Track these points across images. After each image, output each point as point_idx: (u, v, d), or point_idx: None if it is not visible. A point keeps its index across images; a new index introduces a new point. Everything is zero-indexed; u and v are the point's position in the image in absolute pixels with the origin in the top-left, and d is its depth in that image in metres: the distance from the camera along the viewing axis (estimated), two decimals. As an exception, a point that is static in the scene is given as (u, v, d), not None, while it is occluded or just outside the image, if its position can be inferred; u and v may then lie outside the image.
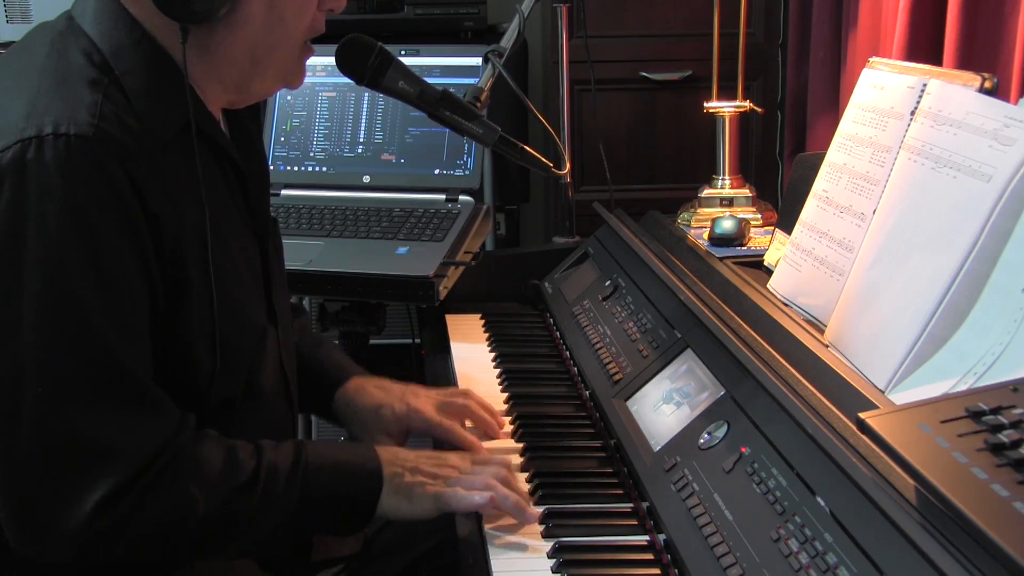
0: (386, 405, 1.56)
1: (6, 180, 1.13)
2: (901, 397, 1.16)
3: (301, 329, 1.66)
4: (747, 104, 2.16)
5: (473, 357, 1.88)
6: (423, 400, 1.58)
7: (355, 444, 1.46)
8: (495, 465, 1.39)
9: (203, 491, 1.21)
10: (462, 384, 1.76)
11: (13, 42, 2.64)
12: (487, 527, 1.31)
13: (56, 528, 1.15)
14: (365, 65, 1.62)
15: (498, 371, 1.81)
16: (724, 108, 2.16)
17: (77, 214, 1.13)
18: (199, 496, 1.20)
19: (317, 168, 2.32)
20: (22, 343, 1.13)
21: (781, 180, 2.55)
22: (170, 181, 1.22)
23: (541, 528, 1.30)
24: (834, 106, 2.20)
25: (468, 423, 1.59)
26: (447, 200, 2.20)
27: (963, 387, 1.10)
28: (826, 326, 1.39)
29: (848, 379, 1.22)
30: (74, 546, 1.16)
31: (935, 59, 1.77)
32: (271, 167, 2.20)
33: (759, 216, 2.07)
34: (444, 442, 1.53)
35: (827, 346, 1.35)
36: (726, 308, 1.52)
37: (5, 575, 1.24)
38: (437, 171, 2.25)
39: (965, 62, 1.69)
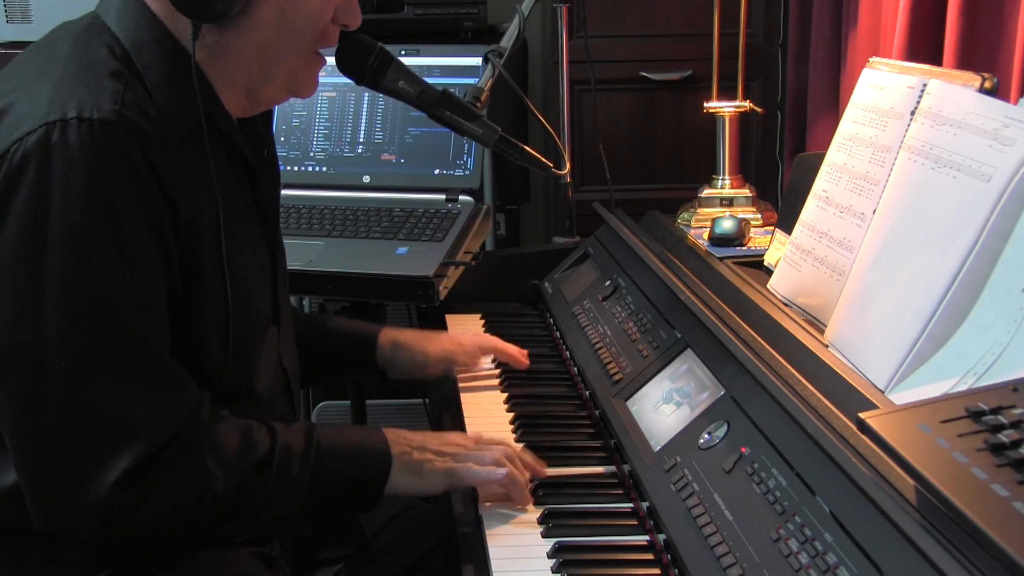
0: (431, 335, 1.79)
1: (31, 161, 1.15)
2: (901, 397, 1.16)
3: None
4: (747, 104, 2.16)
5: (473, 357, 1.88)
6: (462, 335, 1.84)
7: (361, 426, 1.48)
8: (501, 445, 1.42)
9: (222, 468, 1.23)
10: (462, 384, 1.77)
11: (14, 42, 2.66)
12: (487, 524, 1.32)
13: (78, 502, 1.17)
14: (365, 65, 1.62)
15: (498, 371, 1.81)
16: (724, 108, 2.16)
17: (100, 195, 1.16)
18: (218, 473, 1.22)
19: (317, 168, 2.32)
20: (46, 320, 1.15)
21: (781, 180, 2.55)
22: (187, 172, 1.24)
23: (541, 528, 1.30)
24: (834, 106, 2.20)
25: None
26: (447, 200, 2.19)
27: (963, 387, 1.10)
28: (826, 326, 1.39)
29: (848, 379, 1.22)
30: (95, 520, 1.17)
31: (935, 59, 1.77)
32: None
33: (759, 216, 2.07)
34: (493, 354, 1.81)
35: (827, 346, 1.35)
36: (726, 308, 1.52)
37: (26, 555, 1.26)
38: (437, 171, 2.25)
39: (965, 62, 1.69)
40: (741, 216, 1.94)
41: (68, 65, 1.23)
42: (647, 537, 1.28)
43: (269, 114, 1.52)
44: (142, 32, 1.27)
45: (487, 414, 1.66)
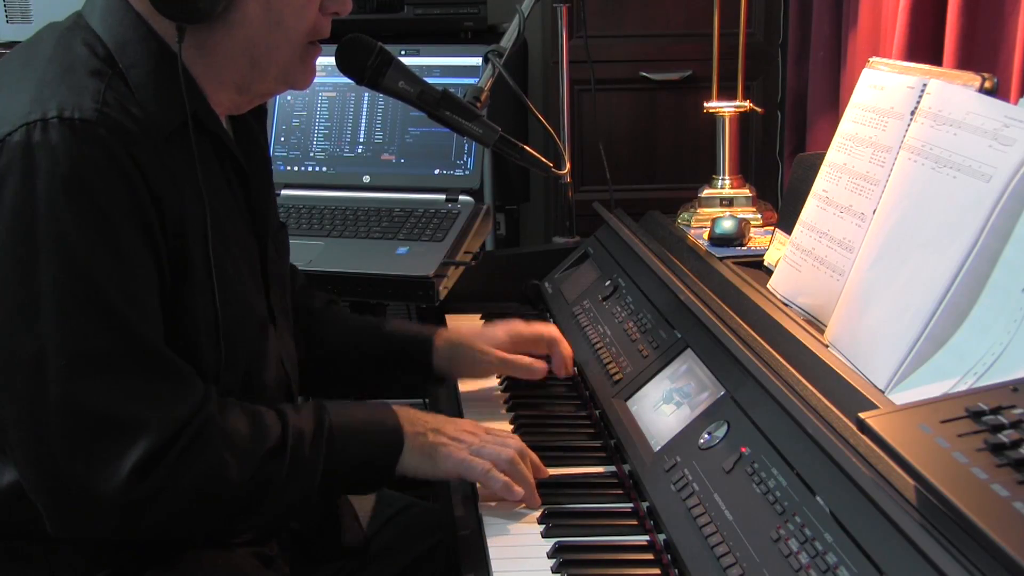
0: (487, 330, 1.73)
1: (15, 162, 1.15)
2: (901, 397, 1.16)
3: (337, 314, 1.71)
4: (747, 104, 2.16)
5: (473, 357, 1.88)
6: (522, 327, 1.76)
7: (373, 405, 1.45)
8: (514, 440, 1.41)
9: (236, 457, 1.22)
10: (462, 385, 1.76)
11: (14, 42, 2.66)
12: (487, 524, 1.32)
13: (93, 500, 1.16)
14: (365, 65, 1.62)
15: (498, 371, 1.81)
16: (724, 108, 2.16)
17: (86, 193, 1.15)
18: (232, 462, 1.22)
19: (317, 168, 2.32)
20: (41, 321, 1.15)
21: (781, 180, 2.55)
22: (173, 171, 1.24)
23: (541, 528, 1.30)
24: (834, 106, 2.20)
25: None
26: (447, 200, 2.20)
27: (963, 387, 1.10)
28: (826, 326, 1.39)
29: (848, 379, 1.22)
30: (112, 517, 1.17)
31: (935, 59, 1.77)
32: (271, 167, 2.21)
33: (759, 216, 2.07)
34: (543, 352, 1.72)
35: (827, 346, 1.35)
36: (726, 308, 1.52)
37: (40, 560, 1.25)
38: (437, 171, 2.25)
39: (965, 62, 1.69)
40: (741, 216, 1.94)
41: (50, 66, 1.23)
42: (647, 537, 1.28)
43: (264, 113, 1.51)
44: (126, 31, 1.26)
45: (487, 414, 1.66)
